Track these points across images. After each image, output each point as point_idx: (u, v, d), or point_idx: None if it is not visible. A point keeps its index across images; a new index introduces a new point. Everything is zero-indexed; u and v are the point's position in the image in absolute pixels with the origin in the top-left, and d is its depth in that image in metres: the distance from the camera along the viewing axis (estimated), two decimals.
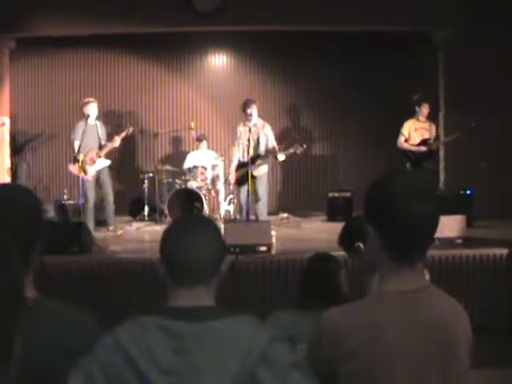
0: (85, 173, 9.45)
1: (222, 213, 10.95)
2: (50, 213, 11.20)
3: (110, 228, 9.88)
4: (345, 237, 3.74)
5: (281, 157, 9.43)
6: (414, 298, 1.90)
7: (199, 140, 11.36)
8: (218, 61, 12.79)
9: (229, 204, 10.93)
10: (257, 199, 9.42)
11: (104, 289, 6.97)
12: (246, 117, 9.44)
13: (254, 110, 9.40)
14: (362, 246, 3.61)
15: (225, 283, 6.13)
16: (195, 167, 10.81)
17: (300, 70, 12.09)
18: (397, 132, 10.23)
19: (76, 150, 9.49)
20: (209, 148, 11.50)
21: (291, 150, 9.53)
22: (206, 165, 10.88)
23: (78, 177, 9.45)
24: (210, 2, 10.07)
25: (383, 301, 1.92)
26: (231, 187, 11.04)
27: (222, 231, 7.66)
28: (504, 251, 7.57)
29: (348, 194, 11.11)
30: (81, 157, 9.30)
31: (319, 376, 1.91)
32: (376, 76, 11.76)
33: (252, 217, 9.62)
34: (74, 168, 9.56)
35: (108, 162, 9.74)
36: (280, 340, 1.91)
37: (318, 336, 1.95)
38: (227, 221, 9.63)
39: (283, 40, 11.51)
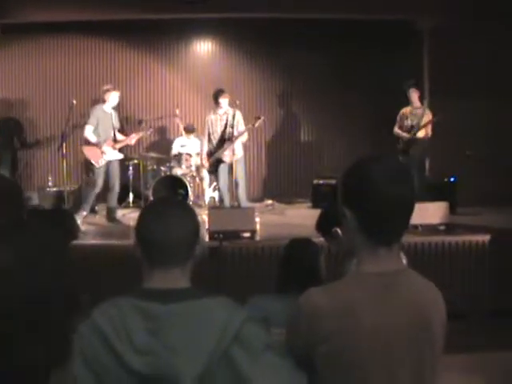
0: (100, 157, 9.45)
1: (207, 200, 10.96)
2: (34, 200, 11.21)
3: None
4: (322, 223, 3.79)
5: (244, 136, 9.71)
6: (390, 280, 1.92)
7: (189, 131, 11.34)
8: (203, 48, 12.75)
9: (213, 191, 10.94)
10: (236, 185, 9.57)
11: (88, 274, 6.97)
12: (217, 105, 9.58)
13: (225, 100, 9.57)
14: (339, 231, 3.66)
15: (209, 268, 6.13)
16: (180, 154, 10.83)
17: (285, 57, 12.08)
18: (382, 120, 10.27)
19: (90, 135, 9.45)
20: (195, 135, 11.49)
21: (250, 125, 9.73)
22: (191, 152, 10.89)
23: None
24: None
25: (360, 282, 1.94)
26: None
27: (207, 217, 7.70)
28: (486, 237, 7.64)
29: (333, 181, 11.10)
30: (94, 140, 9.35)
31: (296, 358, 1.93)
32: (362, 63, 11.80)
33: (235, 203, 9.70)
34: (90, 151, 9.52)
35: (121, 156, 9.69)
36: (254, 321, 1.93)
37: (295, 316, 1.97)
38: (212, 207, 9.65)
39: (268, 27, 11.49)
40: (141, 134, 10.09)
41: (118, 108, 10.16)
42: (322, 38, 11.77)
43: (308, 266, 3.47)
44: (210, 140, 9.79)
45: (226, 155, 9.58)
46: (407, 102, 10.09)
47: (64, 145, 9.53)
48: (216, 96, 9.66)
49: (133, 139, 9.85)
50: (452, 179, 10.13)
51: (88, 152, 9.55)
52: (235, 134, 9.56)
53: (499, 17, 10.08)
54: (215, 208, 9.42)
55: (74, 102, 9.85)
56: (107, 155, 9.45)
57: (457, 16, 10.09)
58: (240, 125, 9.66)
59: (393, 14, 10.45)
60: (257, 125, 9.79)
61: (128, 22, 11.27)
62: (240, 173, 9.68)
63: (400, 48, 11.23)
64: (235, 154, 9.60)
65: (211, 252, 7.05)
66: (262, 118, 9.84)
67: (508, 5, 9.81)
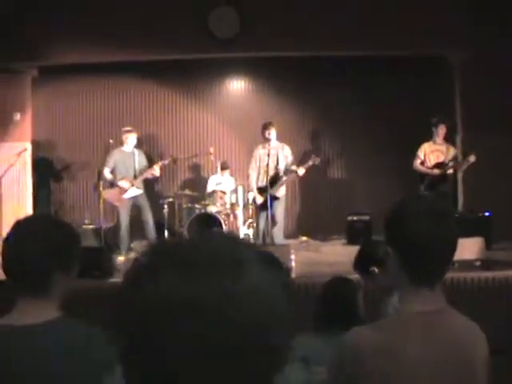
0: (118, 200, 9.58)
1: (242, 237, 10.95)
2: None
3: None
4: (359, 261, 3.82)
5: (301, 171, 9.53)
6: (433, 319, 1.94)
7: (223, 168, 11.43)
8: (236, 86, 12.90)
9: (248, 228, 10.96)
10: (274, 223, 9.46)
11: None
12: (265, 139, 9.55)
13: (272, 132, 9.51)
14: (376, 270, 3.69)
15: None
16: (214, 192, 10.89)
17: (316, 94, 12.12)
18: (411, 155, 10.25)
19: (106, 176, 9.62)
20: (229, 173, 11.57)
21: (310, 163, 9.65)
22: (226, 189, 10.95)
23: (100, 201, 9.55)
24: (229, 28, 10.16)
25: (403, 322, 1.96)
26: (250, 211, 11.10)
27: None
28: None
29: (367, 218, 11.08)
30: (118, 183, 9.49)
31: None
32: (393, 99, 11.81)
33: (268, 241, 9.67)
34: (109, 194, 9.69)
35: (140, 191, 9.78)
36: (295, 360, 1.96)
37: (339, 355, 1.99)
38: None
39: (299, 65, 11.58)
40: (160, 164, 10.13)
41: (146, 147, 10.32)
42: (352, 73, 11.82)
43: (347, 305, 3.49)
44: (258, 175, 9.78)
45: (280, 191, 9.58)
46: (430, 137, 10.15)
47: (101, 183, 9.69)
48: (264, 129, 9.67)
49: (155, 170, 9.91)
50: (487, 214, 10.04)
51: (106, 195, 9.71)
52: (287, 168, 9.58)
53: None
54: None
55: (111, 141, 10.02)
56: (127, 193, 9.57)
57: (488, 49, 10.06)
58: (289, 162, 9.66)
59: (423, 49, 10.46)
60: (317, 163, 9.81)
61: (162, 62, 11.43)
62: (280, 211, 9.65)
63: (431, 83, 11.24)
64: (279, 190, 9.62)
65: None
66: (320, 158, 9.85)
67: None
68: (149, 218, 9.75)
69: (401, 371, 1.88)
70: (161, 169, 10.10)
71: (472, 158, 9.47)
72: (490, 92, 10.17)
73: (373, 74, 11.75)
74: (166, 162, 10.46)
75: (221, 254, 0.98)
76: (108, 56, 10.67)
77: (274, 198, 9.50)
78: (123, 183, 9.62)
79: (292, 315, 1.02)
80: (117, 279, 7.80)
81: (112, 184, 9.72)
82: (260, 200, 9.66)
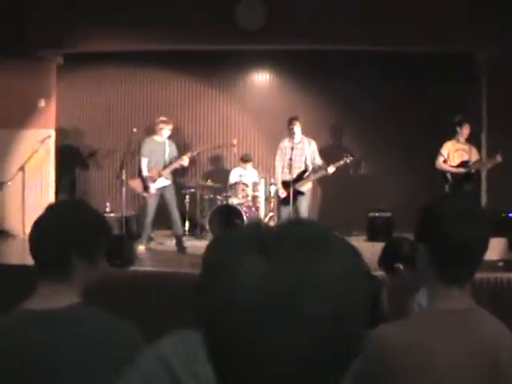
0: (145, 190, 9.60)
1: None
2: None
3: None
4: (384, 258, 3.79)
5: (331, 169, 9.48)
6: (462, 318, 1.93)
7: (246, 161, 11.43)
8: (261, 78, 12.89)
9: (269, 221, 10.96)
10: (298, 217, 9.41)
11: (140, 301, 7.01)
12: (290, 134, 9.51)
13: (297, 127, 9.46)
14: (401, 267, 3.65)
15: None
16: (237, 184, 10.89)
17: (340, 89, 12.05)
18: (437, 153, 10.17)
19: (143, 167, 9.66)
20: (251, 165, 11.57)
21: (341, 162, 9.60)
22: (248, 182, 10.95)
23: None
24: (256, 20, 10.13)
25: (432, 319, 1.94)
26: (272, 205, 11.10)
27: None
28: None
29: (388, 214, 11.06)
30: (144, 174, 9.53)
31: None
32: (417, 95, 11.74)
33: None
34: (135, 183, 9.72)
35: (168, 182, 9.78)
36: None
37: (366, 352, 1.96)
38: None
39: (326, 58, 11.51)
40: (189, 155, 10.07)
41: (174, 138, 10.33)
42: (379, 69, 11.75)
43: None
44: (283, 168, 9.71)
45: (306, 186, 9.57)
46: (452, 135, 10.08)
47: (123, 171, 9.71)
48: (288, 124, 9.60)
49: (184, 160, 9.83)
50: (510, 214, 9.95)
51: (133, 183, 9.73)
52: (309, 164, 9.56)
53: None
54: None
55: (135, 130, 10.02)
56: (155, 184, 9.58)
57: None
58: (316, 157, 9.63)
59: (450, 47, 10.37)
60: (349, 161, 9.79)
61: (186, 53, 11.43)
62: (304, 206, 9.61)
63: (457, 81, 11.15)
64: (304, 185, 9.59)
65: None
66: (354, 156, 9.87)
67: None
68: (173, 211, 9.74)
69: (429, 369, 1.86)
70: (190, 160, 10.09)
71: (498, 158, 9.38)
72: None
73: (399, 71, 11.67)
74: (195, 153, 10.46)
75: (314, 239, 0.97)
76: (133, 45, 10.70)
77: (299, 193, 9.44)
78: (152, 173, 9.62)
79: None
80: (137, 267, 7.83)
81: (140, 173, 9.72)
82: (283, 194, 9.61)
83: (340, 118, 12.47)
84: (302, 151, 9.55)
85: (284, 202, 9.65)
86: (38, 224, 2.10)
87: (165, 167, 9.70)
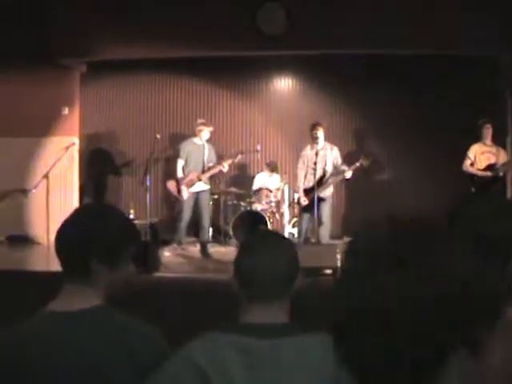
0: (179, 193, 9.60)
1: (286, 236, 10.93)
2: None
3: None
4: None
5: (348, 173, 9.40)
6: None
7: (272, 170, 11.43)
8: (283, 84, 12.85)
9: (293, 227, 10.91)
10: (320, 223, 9.33)
11: (162, 307, 6.99)
12: (313, 139, 9.44)
13: (320, 133, 9.39)
14: None
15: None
16: (260, 189, 10.85)
17: (363, 94, 12.01)
18: (460, 158, 10.08)
19: (178, 169, 9.66)
20: (274, 171, 11.53)
21: (357, 164, 9.51)
22: (271, 187, 10.91)
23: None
24: (277, 26, 10.08)
25: None
26: (295, 210, 11.05)
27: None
28: None
29: None
30: (178, 175, 9.55)
31: None
32: (441, 100, 11.64)
33: (312, 241, 9.58)
34: (171, 185, 9.74)
35: (207, 187, 9.76)
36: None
37: None
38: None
39: (348, 64, 11.47)
40: (230, 161, 10.09)
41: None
42: (401, 73, 11.68)
43: None
44: (305, 175, 9.63)
45: (327, 191, 9.49)
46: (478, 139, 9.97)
47: (147, 178, 9.72)
48: (311, 129, 9.51)
49: (224, 167, 9.85)
50: None
51: (170, 186, 9.72)
52: (336, 170, 9.49)
53: None
54: (297, 245, 9.27)
55: (158, 136, 10.04)
56: (193, 187, 9.56)
57: None
58: (338, 163, 9.55)
59: (474, 51, 10.27)
60: (365, 164, 9.70)
61: (209, 59, 11.45)
62: (326, 211, 9.53)
63: (481, 84, 11.04)
64: (325, 191, 9.51)
65: None
66: (370, 159, 9.73)
67: None
68: (204, 217, 9.71)
69: None
70: (229, 166, 10.09)
71: None
72: None
73: (421, 74, 11.60)
74: (236, 159, 10.42)
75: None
76: (155, 52, 10.71)
77: (320, 199, 9.36)
78: (192, 177, 9.61)
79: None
80: (162, 274, 7.81)
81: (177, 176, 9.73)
82: (305, 202, 9.54)
83: (364, 123, 12.40)
84: (324, 157, 9.48)
85: (305, 209, 9.58)
86: (64, 226, 2.10)
87: (203, 171, 9.69)
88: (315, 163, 9.34)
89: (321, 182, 9.42)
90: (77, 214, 2.16)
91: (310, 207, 9.36)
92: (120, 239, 2.13)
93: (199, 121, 10.10)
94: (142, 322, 2.06)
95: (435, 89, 11.66)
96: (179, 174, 9.66)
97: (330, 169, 9.49)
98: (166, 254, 9.33)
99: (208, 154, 9.85)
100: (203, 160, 9.76)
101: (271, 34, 10.12)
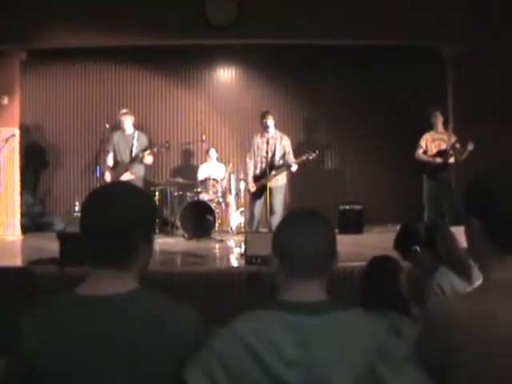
0: None
1: (233, 225, 10.93)
2: (59, 225, 11.19)
3: None
4: (401, 241, 3.79)
5: (293, 167, 9.37)
6: None
7: (206, 151, 11.41)
8: (228, 74, 12.81)
9: (240, 216, 10.91)
10: (272, 212, 9.30)
11: None
12: (264, 128, 9.41)
13: (270, 121, 9.36)
14: (418, 249, 3.65)
15: (248, 293, 6.04)
16: (207, 179, 10.79)
17: (309, 84, 12.09)
18: (405, 145, 10.24)
19: (108, 161, 9.51)
20: (219, 160, 11.48)
21: (303, 157, 9.46)
22: (217, 177, 10.86)
23: None
24: (225, 16, 10.04)
25: (493, 289, 1.90)
26: (242, 199, 11.04)
27: (243, 242, 7.64)
28: None
29: (359, 207, 11.10)
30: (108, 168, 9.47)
31: (428, 371, 1.88)
32: (386, 90, 11.80)
33: (263, 230, 9.54)
34: (108, 178, 9.63)
35: (132, 177, 9.59)
36: (393, 334, 1.90)
37: (429, 326, 1.93)
38: (249, 232, 9.46)
39: (293, 53, 11.52)
40: (150, 152, 9.88)
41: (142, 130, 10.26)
42: (346, 64, 11.82)
43: (391, 283, 3.41)
44: (255, 164, 9.57)
45: (273, 181, 9.42)
46: (430, 127, 10.11)
47: (98, 168, 9.56)
48: (262, 118, 9.48)
49: (145, 158, 9.71)
50: None
51: (107, 179, 9.65)
52: (279, 159, 9.44)
53: None
54: (252, 232, 9.21)
55: (107, 125, 9.88)
56: (121, 178, 9.45)
57: (481, 42, 10.05)
58: (287, 153, 9.46)
59: (418, 41, 10.43)
60: (311, 158, 9.65)
61: (153, 48, 11.32)
62: (279, 200, 9.48)
63: (424, 75, 11.22)
64: (277, 180, 9.47)
65: (249, 277, 6.97)
66: (316, 152, 9.68)
67: None
68: None
69: (495, 341, 1.82)
70: (154, 156, 9.95)
71: (470, 146, 9.48)
72: (482, 84, 10.14)
73: (367, 64, 11.76)
74: (156, 149, 10.22)
75: None
76: (98, 40, 10.48)
77: (270, 188, 9.31)
78: (117, 168, 9.50)
79: None
80: None
81: (110, 168, 9.61)
82: (253, 188, 9.49)
83: (309, 112, 12.51)
84: (274, 146, 9.45)
85: (255, 196, 9.53)
86: (96, 210, 1.97)
87: (131, 161, 9.56)
88: (266, 152, 9.32)
89: (269, 171, 9.37)
90: (107, 195, 2.02)
91: (261, 195, 9.33)
92: (153, 214, 2.12)
93: (121, 111, 9.99)
94: (182, 307, 1.98)
95: (381, 77, 11.81)
96: (109, 164, 9.60)
97: (278, 158, 9.45)
98: None
99: (138, 143, 9.70)
100: (131, 150, 9.63)
101: (219, 24, 10.06)
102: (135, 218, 1.96)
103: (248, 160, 9.64)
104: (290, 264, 1.96)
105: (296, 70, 12.03)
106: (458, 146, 9.73)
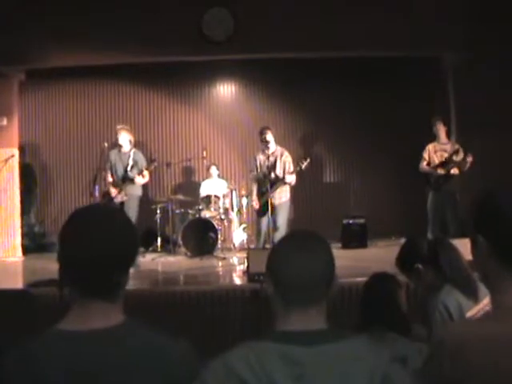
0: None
1: (236, 242, 10.83)
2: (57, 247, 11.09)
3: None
4: (403, 259, 3.69)
5: (288, 178, 9.24)
6: None
7: (208, 168, 11.35)
8: (227, 89, 12.76)
9: (243, 232, 10.82)
10: (275, 229, 9.19)
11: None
12: (264, 144, 9.32)
13: (269, 136, 9.28)
14: (420, 266, 3.55)
15: (250, 311, 5.95)
16: (208, 196, 10.69)
17: (309, 98, 12.04)
18: (409, 158, 10.16)
19: (108, 179, 9.41)
20: (220, 177, 11.42)
21: (297, 168, 9.34)
22: (219, 194, 10.77)
23: None
24: (222, 31, 10.01)
25: (504, 315, 1.81)
26: (244, 216, 10.95)
27: (246, 259, 7.53)
28: None
29: (362, 221, 10.99)
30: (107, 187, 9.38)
31: None
32: (388, 102, 11.74)
33: (268, 246, 9.43)
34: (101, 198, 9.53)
35: (125, 198, 9.41)
36: (397, 362, 1.81)
37: (436, 352, 1.83)
38: (251, 249, 9.36)
39: (292, 68, 11.47)
40: (150, 169, 9.52)
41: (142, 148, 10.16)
42: (347, 77, 11.76)
43: (390, 301, 3.32)
44: (257, 181, 9.42)
45: (277, 198, 9.33)
46: (434, 138, 10.01)
47: (96, 187, 9.46)
48: (260, 134, 9.39)
49: (137, 179, 9.32)
50: None
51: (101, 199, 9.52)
52: (283, 175, 9.31)
53: None
54: (255, 249, 9.08)
55: (106, 144, 9.76)
56: (115, 199, 9.27)
57: (482, 51, 9.99)
58: (288, 168, 9.32)
59: (418, 51, 10.39)
60: (304, 167, 9.49)
61: (152, 65, 11.30)
62: (282, 216, 9.35)
63: (427, 86, 11.17)
64: (280, 197, 9.36)
65: (252, 294, 6.88)
66: (308, 159, 9.55)
67: None
68: None
69: (509, 367, 1.72)
70: (150, 174, 9.68)
71: (469, 158, 9.39)
72: (484, 93, 10.08)
73: (368, 76, 11.70)
74: (152, 167, 9.92)
75: None
76: (96, 59, 10.47)
77: (273, 205, 9.20)
78: (110, 189, 9.35)
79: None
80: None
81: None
82: (256, 205, 9.40)
83: (309, 126, 12.43)
84: (274, 162, 9.36)
85: (260, 213, 9.44)
86: (76, 241, 1.84)
87: (124, 181, 9.34)
88: (268, 167, 9.24)
89: (271, 187, 9.28)
90: (86, 224, 1.88)
91: (265, 211, 9.21)
92: (136, 245, 2.00)
93: (117, 126, 9.86)
94: (172, 338, 1.88)
95: (382, 89, 11.75)
96: (109, 180, 9.50)
97: (279, 174, 9.35)
98: None
99: (133, 162, 9.45)
100: (126, 169, 9.40)
101: (216, 39, 10.04)
102: (122, 254, 1.87)
103: (251, 177, 9.57)
104: (286, 292, 1.87)
105: (295, 84, 11.97)
106: (455, 158, 9.64)
